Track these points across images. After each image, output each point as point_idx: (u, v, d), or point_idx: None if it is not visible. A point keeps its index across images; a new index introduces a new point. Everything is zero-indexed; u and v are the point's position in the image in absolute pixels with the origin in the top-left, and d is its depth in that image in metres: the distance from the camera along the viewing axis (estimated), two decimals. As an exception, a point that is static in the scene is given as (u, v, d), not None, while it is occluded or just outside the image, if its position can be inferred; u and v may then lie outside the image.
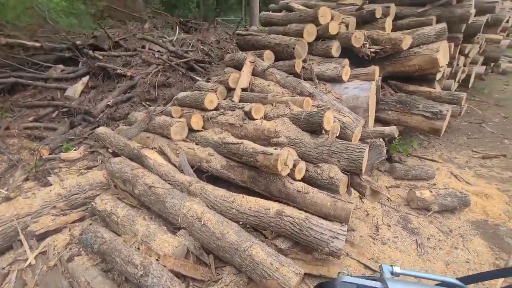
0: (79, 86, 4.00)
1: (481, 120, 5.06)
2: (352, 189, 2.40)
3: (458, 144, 4.22)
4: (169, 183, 2.29)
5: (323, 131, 2.31)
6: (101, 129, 3.08)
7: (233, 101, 2.99)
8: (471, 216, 2.68)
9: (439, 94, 3.32)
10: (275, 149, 2.28)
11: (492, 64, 6.64)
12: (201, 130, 2.88)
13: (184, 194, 2.14)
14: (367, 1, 3.84)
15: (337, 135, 2.49)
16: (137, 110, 3.73)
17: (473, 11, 3.29)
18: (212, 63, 5.12)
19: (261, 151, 2.16)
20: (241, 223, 1.98)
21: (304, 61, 3.38)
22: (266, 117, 2.69)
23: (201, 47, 5.48)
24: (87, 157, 3.08)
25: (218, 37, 6.61)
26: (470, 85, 5.58)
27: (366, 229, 2.45)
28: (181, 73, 4.53)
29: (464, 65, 5.00)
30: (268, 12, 4.26)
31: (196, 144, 2.78)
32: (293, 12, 3.81)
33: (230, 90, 3.23)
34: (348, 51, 3.39)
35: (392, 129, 2.70)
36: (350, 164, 2.21)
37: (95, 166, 2.90)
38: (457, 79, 4.41)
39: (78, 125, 3.50)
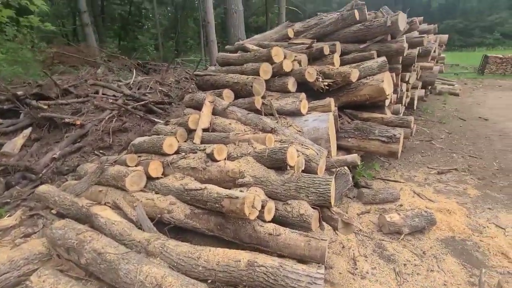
0: (19, 139, 3.58)
1: (430, 138, 5.54)
2: (324, 223, 2.33)
3: (415, 162, 4.49)
4: (124, 244, 2.00)
5: (288, 167, 2.27)
6: (43, 188, 2.70)
7: (194, 143, 2.87)
8: (440, 234, 2.73)
9: (390, 119, 3.57)
10: (241, 191, 2.17)
11: (430, 87, 7.50)
12: (162, 177, 2.67)
13: (141, 255, 1.87)
14: (315, 40, 4.17)
15: (303, 168, 2.46)
16: (89, 160, 3.41)
17: (406, 45, 3.73)
18: (173, 104, 5.03)
19: (226, 195, 2.02)
20: (209, 281, 1.75)
21: (263, 97, 3.44)
22: (229, 157, 2.59)
23: (160, 88, 5.41)
24: (25, 222, 2.63)
25: (177, 77, 6.63)
26: (415, 107, 6.17)
27: (343, 263, 2.34)
28: (139, 116, 4.34)
29: (407, 90, 5.55)
30: (224, 53, 4.40)
31: (156, 193, 2.55)
32: (248, 52, 3.97)
33: (190, 131, 3.12)
34: (304, 85, 3.55)
35: (354, 157, 2.76)
36: (319, 198, 2.16)
37: (35, 233, 2.47)
38: (403, 103, 4.84)
39: (15, 185, 3.05)
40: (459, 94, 10.46)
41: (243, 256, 1.76)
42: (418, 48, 4.53)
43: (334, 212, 2.23)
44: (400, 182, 3.83)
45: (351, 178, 3.02)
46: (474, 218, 2.98)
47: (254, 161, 2.40)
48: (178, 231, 2.59)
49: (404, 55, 3.77)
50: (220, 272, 1.73)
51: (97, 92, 4.94)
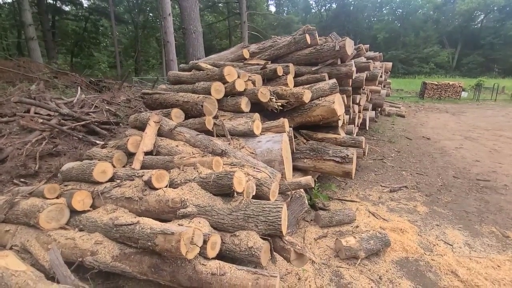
0: None
1: (382, 157, 5.81)
2: (277, 254, 2.12)
3: (369, 181, 4.60)
4: (22, 303, 1.56)
5: (235, 193, 2.05)
6: None
7: (133, 168, 2.53)
8: (394, 256, 2.69)
9: (343, 139, 3.61)
10: (180, 224, 1.88)
11: (379, 109, 8.05)
12: (90, 210, 2.26)
13: (43, 318, 1.45)
14: (270, 62, 4.19)
15: (254, 194, 2.27)
16: (4, 192, 2.82)
17: (354, 68, 3.91)
18: (120, 124, 4.59)
19: (160, 231, 1.72)
20: None
21: (216, 117, 3.27)
22: (172, 184, 2.30)
23: (107, 107, 4.93)
24: None
25: (130, 96, 6.19)
26: (367, 127, 6.50)
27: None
28: (77, 138, 3.83)
29: (359, 112, 5.84)
30: (176, 71, 4.19)
31: (81, 230, 2.13)
32: (201, 71, 3.82)
33: (131, 155, 2.77)
34: (258, 106, 3.47)
35: (308, 179, 2.66)
36: (269, 227, 1.96)
37: None
38: (356, 124, 5.03)
39: None
40: (405, 115, 11.50)
41: (176, 308, 1.45)
42: (366, 72, 4.82)
43: (286, 242, 2.04)
44: (356, 201, 3.83)
45: (306, 201, 2.90)
46: (424, 236, 3.03)
47: (199, 188, 2.15)
48: (109, 275, 2.17)
49: (353, 78, 3.94)
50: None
51: (28, 111, 4.31)
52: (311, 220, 3.30)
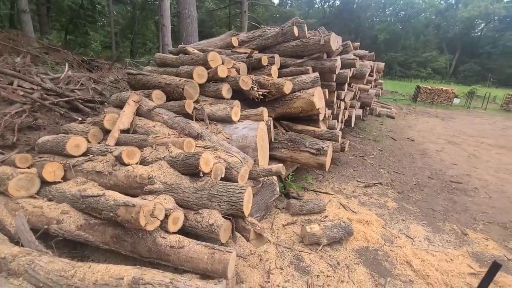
0: None
1: (364, 154, 5.94)
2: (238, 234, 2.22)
3: (347, 176, 4.73)
4: (-17, 262, 1.62)
5: (201, 174, 2.13)
6: None
7: (107, 144, 2.57)
8: (356, 245, 2.82)
9: (321, 132, 3.70)
10: (144, 198, 1.96)
11: (368, 108, 8.16)
12: (61, 182, 2.31)
13: (0, 276, 1.52)
14: (257, 51, 4.22)
15: (222, 176, 2.35)
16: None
17: (338, 64, 3.97)
18: (106, 103, 4.58)
19: (122, 203, 1.79)
20: (83, 305, 1.48)
21: (197, 101, 3.31)
22: (144, 162, 2.37)
23: (93, 86, 4.91)
24: None
25: (118, 77, 6.14)
26: (352, 125, 6.61)
27: (257, 277, 2.24)
28: (59, 114, 3.83)
29: (345, 108, 5.93)
30: (163, 54, 4.19)
31: (50, 200, 2.18)
32: (186, 55, 3.83)
33: (108, 132, 2.81)
34: (242, 94, 3.52)
35: (279, 167, 2.74)
36: (231, 207, 2.04)
37: None
38: (339, 120, 5.12)
39: None
40: (395, 117, 11.67)
41: (128, 273, 1.54)
42: (352, 69, 4.88)
43: (248, 223, 2.14)
44: (330, 194, 3.95)
45: (278, 188, 2.99)
46: (388, 228, 3.17)
47: (168, 167, 2.22)
48: (76, 245, 2.24)
49: (336, 73, 4.00)
50: (97, 293, 1.48)
51: (11, 83, 4.27)
52: (283, 208, 3.41)
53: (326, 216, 3.31)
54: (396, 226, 3.26)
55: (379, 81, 10.48)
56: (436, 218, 3.54)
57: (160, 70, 3.86)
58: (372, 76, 8.02)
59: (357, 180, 4.54)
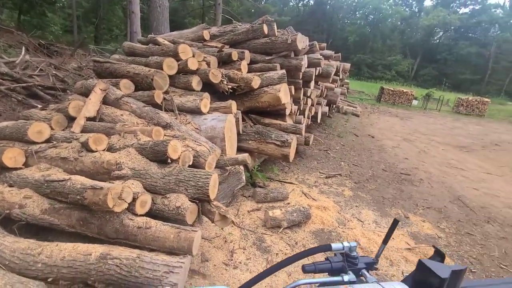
0: None
1: (328, 148, 6.37)
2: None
3: (311, 167, 5.07)
4: None
5: (169, 160, 2.24)
6: None
7: (72, 131, 2.56)
8: (313, 227, 3.12)
9: (286, 125, 3.96)
10: (111, 183, 2.03)
11: (334, 106, 8.66)
12: (22, 168, 2.28)
13: (-40, 256, 1.53)
14: (228, 46, 4.34)
15: (190, 163, 2.48)
16: None
17: (304, 62, 4.24)
18: (68, 91, 4.41)
19: (90, 186, 1.85)
20: (50, 279, 1.55)
21: (166, 92, 3.37)
22: (111, 149, 2.41)
23: (54, 72, 4.68)
24: None
25: (82, 64, 5.87)
26: (319, 121, 7.02)
27: (221, 256, 2.42)
28: (16, 100, 3.64)
29: (312, 105, 6.28)
30: (132, 43, 4.14)
31: (10, 186, 2.15)
32: (157, 46, 3.84)
33: (72, 120, 2.78)
34: (212, 87, 3.63)
35: (244, 156, 2.93)
36: (198, 191, 2.19)
37: None
38: (305, 115, 5.44)
39: None
40: (360, 115, 12.46)
41: (96, 250, 1.63)
42: (318, 68, 5.20)
43: (213, 206, 2.30)
44: (294, 183, 4.25)
45: (244, 177, 3.18)
46: (342, 213, 3.53)
47: (136, 153, 2.30)
48: (39, 231, 2.24)
49: (302, 71, 4.27)
50: (64, 268, 1.56)
51: (-41, 65, 3.93)
52: (249, 196, 3.62)
53: (288, 203, 3.58)
54: (350, 211, 3.63)
55: (346, 80, 11.10)
56: (385, 205, 4.00)
57: (129, 59, 3.83)
58: (339, 75, 8.52)
59: (319, 172, 4.90)
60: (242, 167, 3.24)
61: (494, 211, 4.18)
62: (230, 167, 3.01)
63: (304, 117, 5.43)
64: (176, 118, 3.09)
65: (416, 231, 3.36)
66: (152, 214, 2.15)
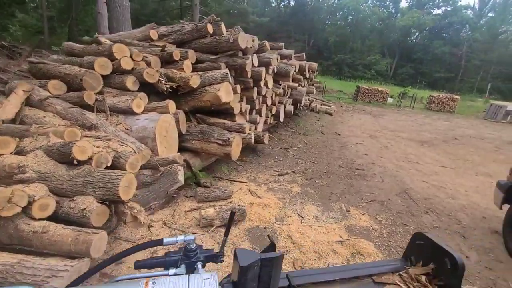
0: None
1: (288, 146, 6.43)
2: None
3: (266, 166, 5.10)
4: None
5: (75, 161, 2.19)
6: None
7: (-18, 134, 2.46)
8: (249, 225, 3.14)
9: (229, 124, 3.97)
10: (6, 186, 1.96)
11: (301, 105, 8.76)
12: None
13: None
14: (175, 46, 4.31)
15: (108, 164, 2.43)
16: None
17: (249, 61, 4.27)
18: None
19: (-24, 191, 1.78)
20: None
21: (101, 93, 3.30)
22: (22, 152, 2.33)
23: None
24: None
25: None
26: (281, 120, 7.08)
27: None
28: None
29: (273, 104, 6.34)
30: (71, 43, 4.03)
31: None
32: (93, 45, 3.76)
33: (-11, 122, 2.66)
34: (154, 88, 3.59)
35: (175, 156, 2.92)
36: (107, 193, 2.15)
37: None
38: (262, 114, 5.47)
39: None
40: (333, 114, 12.69)
41: (-29, 256, 1.57)
42: (272, 67, 5.25)
43: (127, 207, 2.27)
44: (244, 182, 4.26)
45: (180, 177, 3.16)
46: (284, 210, 3.57)
47: (43, 156, 2.23)
48: None
49: (248, 70, 4.29)
50: None
51: None
52: (191, 196, 3.60)
53: (231, 202, 3.58)
54: (292, 207, 3.68)
55: (315, 80, 11.27)
56: (330, 200, 4.07)
57: (66, 59, 3.73)
58: (305, 75, 8.63)
59: (274, 170, 4.94)
60: (179, 167, 3.22)
61: (436, 202, 4.36)
62: (163, 167, 2.99)
63: (260, 116, 5.47)
64: (106, 119, 3.03)
65: (353, 224, 3.44)
66: (59, 217, 2.10)
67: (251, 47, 4.35)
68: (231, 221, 1.09)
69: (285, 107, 6.95)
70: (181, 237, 1.00)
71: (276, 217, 3.37)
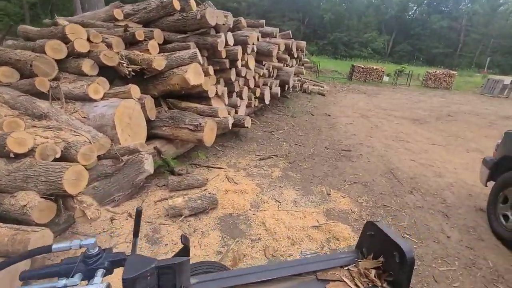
0: None
1: (274, 129, 6.23)
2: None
3: (248, 150, 4.92)
4: None
5: (12, 155, 2.00)
6: None
7: None
8: (221, 212, 3.00)
9: (202, 108, 3.75)
10: None
11: (287, 86, 8.45)
12: None
13: None
14: (142, 25, 3.99)
15: (57, 156, 2.25)
16: None
17: (222, 40, 3.96)
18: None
19: None
20: None
21: (57, 79, 3.05)
22: (-41, 146, 2.13)
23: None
24: None
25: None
26: (267, 102, 6.83)
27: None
28: None
29: (257, 86, 6.07)
30: (27, 26, 3.72)
31: None
32: (47, 28, 3.46)
33: None
34: (116, 71, 3.34)
35: (136, 145, 2.73)
36: (51, 187, 1.98)
37: None
38: (243, 97, 5.22)
39: None
40: (325, 94, 12.37)
41: None
42: (251, 46, 4.94)
43: (76, 201, 2.11)
44: (223, 168, 4.09)
45: (147, 166, 2.98)
46: (261, 196, 3.43)
47: (-21, 149, 2.04)
48: None
49: (220, 49, 4.00)
50: None
51: None
52: (163, 185, 3.45)
53: (205, 189, 3.43)
54: (270, 193, 3.53)
55: (305, 59, 10.87)
56: (312, 183, 3.93)
57: (21, 44, 3.44)
58: (293, 54, 8.27)
59: (256, 154, 4.76)
60: (146, 156, 3.03)
61: (422, 181, 4.23)
62: (127, 157, 2.81)
63: (242, 99, 5.22)
64: (61, 107, 2.82)
65: (332, 207, 3.31)
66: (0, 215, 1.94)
67: (223, 24, 4.04)
68: (138, 220, 0.92)
69: (270, 89, 6.67)
70: (76, 242, 0.82)
71: (252, 204, 3.23)
